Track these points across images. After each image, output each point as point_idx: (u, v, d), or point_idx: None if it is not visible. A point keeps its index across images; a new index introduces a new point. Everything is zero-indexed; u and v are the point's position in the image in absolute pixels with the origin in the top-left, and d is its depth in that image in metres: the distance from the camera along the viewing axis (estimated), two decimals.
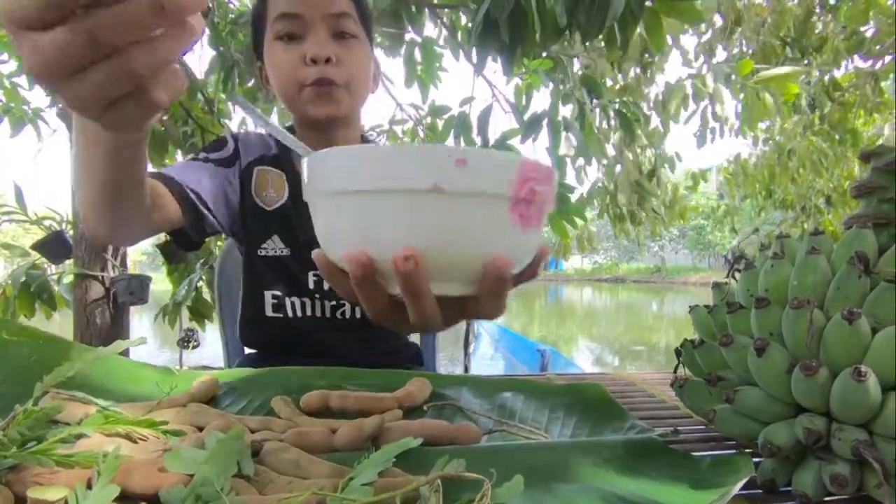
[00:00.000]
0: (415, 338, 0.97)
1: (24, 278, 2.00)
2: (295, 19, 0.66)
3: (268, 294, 0.75)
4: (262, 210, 0.73)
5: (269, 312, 0.75)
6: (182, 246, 0.70)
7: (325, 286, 0.74)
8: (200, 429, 0.40)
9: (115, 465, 0.29)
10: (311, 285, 0.74)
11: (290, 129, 0.79)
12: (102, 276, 1.90)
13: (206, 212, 0.67)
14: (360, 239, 0.28)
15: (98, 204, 0.49)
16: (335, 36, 0.68)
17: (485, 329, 6.01)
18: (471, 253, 0.28)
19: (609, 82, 2.46)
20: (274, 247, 0.73)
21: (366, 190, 0.27)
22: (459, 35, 2.11)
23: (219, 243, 2.22)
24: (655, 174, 2.57)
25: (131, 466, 0.29)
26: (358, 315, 0.76)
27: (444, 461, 0.32)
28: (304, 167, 0.31)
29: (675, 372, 0.53)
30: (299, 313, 0.75)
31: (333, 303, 0.75)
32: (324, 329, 0.76)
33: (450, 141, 2.33)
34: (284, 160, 0.75)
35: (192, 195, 0.65)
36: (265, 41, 0.70)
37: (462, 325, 4.27)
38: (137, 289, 1.94)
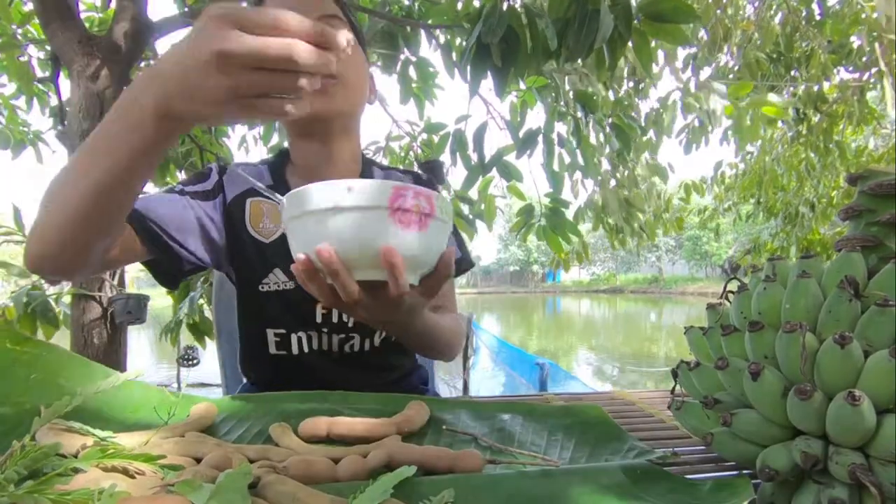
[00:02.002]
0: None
1: (25, 299, 1.99)
2: None
3: (270, 332, 0.71)
4: (261, 243, 0.69)
5: (272, 350, 0.71)
6: (163, 281, 0.65)
7: (334, 318, 0.70)
8: (198, 460, 0.40)
9: (111, 502, 0.29)
10: (319, 318, 0.70)
11: (286, 153, 0.76)
12: (100, 296, 1.89)
13: (172, 244, 0.62)
14: (302, 247, 0.43)
15: (78, 223, 0.46)
16: None
17: (483, 343, 5.99)
18: (369, 246, 0.40)
19: (603, 93, 2.50)
20: (276, 280, 0.69)
21: (299, 215, 0.42)
22: (454, 54, 2.14)
23: None
24: (646, 186, 2.60)
25: None
26: (367, 348, 0.72)
27: (439, 499, 0.32)
28: (280, 207, 0.45)
29: (672, 393, 0.53)
30: (305, 349, 0.71)
31: (342, 336, 0.71)
32: (331, 364, 0.72)
33: (446, 157, 2.35)
34: (281, 188, 0.71)
35: (153, 226, 0.60)
36: None
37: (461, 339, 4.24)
38: (135, 308, 1.92)
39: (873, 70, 3.08)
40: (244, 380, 0.83)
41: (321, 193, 0.40)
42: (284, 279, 0.69)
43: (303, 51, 0.36)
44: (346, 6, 0.72)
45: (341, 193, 0.40)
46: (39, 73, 2.38)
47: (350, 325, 0.72)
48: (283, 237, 0.68)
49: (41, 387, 0.50)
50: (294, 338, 0.71)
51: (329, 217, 0.40)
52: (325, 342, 0.71)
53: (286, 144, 0.76)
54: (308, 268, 0.42)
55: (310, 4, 0.65)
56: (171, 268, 0.64)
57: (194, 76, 0.36)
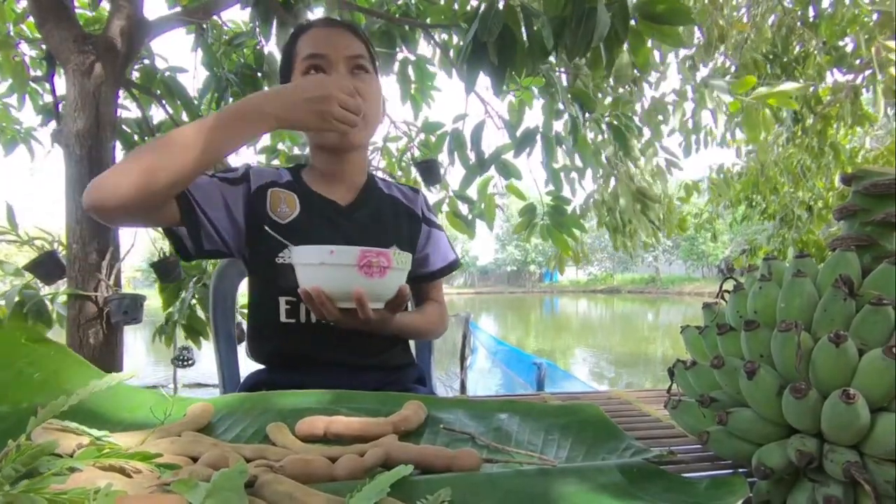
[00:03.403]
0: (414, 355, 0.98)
1: (17, 298, 1.97)
2: (320, 58, 0.79)
3: (283, 300, 0.79)
4: (278, 224, 0.80)
5: (283, 319, 0.79)
6: (179, 251, 0.75)
7: None
8: (195, 459, 0.40)
9: (108, 502, 0.28)
10: None
11: (304, 162, 0.91)
12: (96, 296, 1.87)
13: (199, 211, 0.73)
14: (305, 283, 0.66)
15: (173, 174, 0.64)
16: (353, 73, 0.81)
17: (481, 343, 5.99)
18: (344, 289, 0.64)
19: (600, 95, 2.50)
20: (290, 255, 0.79)
21: (301, 264, 0.66)
22: (452, 53, 2.14)
23: (211, 262, 2.21)
24: (655, 183, 2.59)
25: (125, 503, 0.29)
26: None
27: (435, 498, 0.32)
28: (292, 254, 0.67)
29: (668, 392, 0.53)
30: (313, 318, 0.79)
31: None
32: (336, 335, 0.78)
33: (444, 156, 2.35)
34: (297, 185, 0.85)
35: (186, 192, 0.71)
36: (293, 78, 0.82)
37: (458, 339, 4.25)
38: (131, 308, 1.91)
39: (867, 73, 3.10)
40: (242, 377, 0.84)
41: (314, 252, 0.63)
42: None
43: (359, 103, 0.71)
44: (369, 41, 0.86)
45: (326, 255, 0.62)
46: (32, 72, 2.36)
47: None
48: (298, 219, 0.83)
49: (39, 386, 0.49)
50: (303, 307, 0.79)
51: (320, 269, 0.64)
52: None
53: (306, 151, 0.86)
54: (307, 296, 0.65)
55: (341, 47, 0.80)
56: (193, 235, 0.74)
57: (312, 101, 0.67)
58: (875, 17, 2.74)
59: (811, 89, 3.08)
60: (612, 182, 2.62)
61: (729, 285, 0.48)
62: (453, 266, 0.94)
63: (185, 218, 0.72)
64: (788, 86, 1.95)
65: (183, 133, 0.65)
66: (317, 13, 2.03)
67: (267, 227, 0.78)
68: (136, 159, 0.65)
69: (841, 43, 3.09)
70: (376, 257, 0.63)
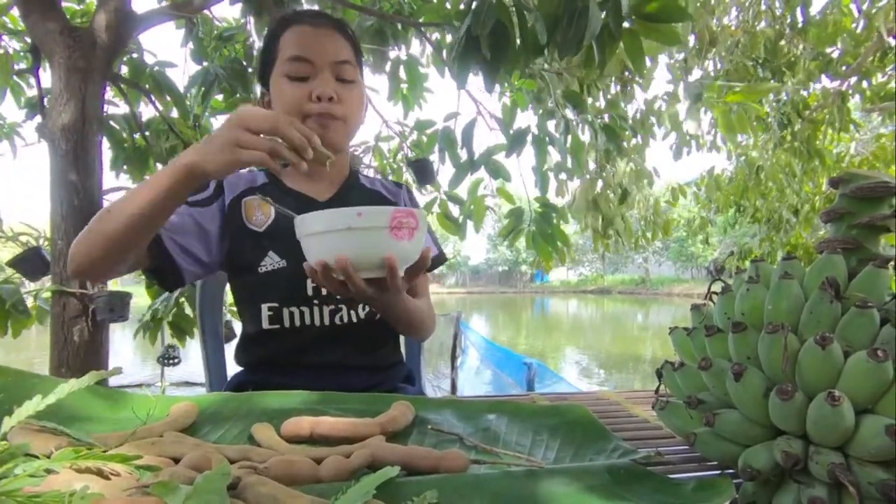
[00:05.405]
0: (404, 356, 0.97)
1: None
2: (305, 62, 0.76)
3: (264, 307, 0.78)
4: (256, 233, 0.80)
5: (265, 325, 0.77)
6: (163, 285, 0.75)
7: (323, 290, 0.78)
8: (177, 460, 0.39)
9: None
10: (310, 291, 0.78)
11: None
12: (81, 293, 1.84)
13: (169, 247, 0.72)
14: (322, 255, 0.57)
15: (125, 235, 0.63)
16: (337, 79, 0.78)
17: (472, 342, 6.00)
18: (375, 253, 0.57)
19: (590, 100, 2.51)
20: (272, 262, 0.78)
21: (318, 233, 0.57)
22: (445, 53, 2.13)
23: None
24: (628, 193, 2.62)
25: None
26: (354, 319, 0.79)
27: (421, 499, 0.31)
28: (296, 223, 0.59)
29: (656, 393, 0.53)
30: (297, 322, 0.78)
31: (332, 307, 0.78)
32: (321, 340, 0.78)
33: (434, 156, 2.35)
34: (272, 186, 0.83)
35: (159, 237, 0.71)
36: (272, 76, 0.79)
37: (449, 339, 4.25)
38: (118, 306, 1.88)
39: (852, 79, 3.15)
40: (229, 377, 0.83)
41: (340, 217, 0.55)
42: (278, 259, 0.78)
43: (279, 148, 0.58)
44: (355, 39, 0.83)
45: (353, 218, 0.55)
46: (16, 65, 2.31)
47: (338, 296, 0.77)
48: (274, 225, 0.80)
49: (11, 405, 0.47)
50: (286, 312, 0.77)
51: (347, 234, 0.56)
52: (316, 316, 0.78)
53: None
54: (325, 271, 0.58)
55: (327, 52, 0.77)
56: (170, 271, 0.73)
57: (222, 132, 0.58)
58: (862, 23, 2.78)
59: (802, 92, 3.13)
60: (600, 184, 2.63)
61: (717, 287, 0.48)
62: (439, 261, 0.92)
63: (158, 261, 0.72)
64: (759, 86, 1.98)
65: (131, 195, 0.64)
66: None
67: (247, 224, 0.77)
68: (98, 228, 0.65)
69: (828, 49, 3.13)
70: (406, 217, 0.57)
